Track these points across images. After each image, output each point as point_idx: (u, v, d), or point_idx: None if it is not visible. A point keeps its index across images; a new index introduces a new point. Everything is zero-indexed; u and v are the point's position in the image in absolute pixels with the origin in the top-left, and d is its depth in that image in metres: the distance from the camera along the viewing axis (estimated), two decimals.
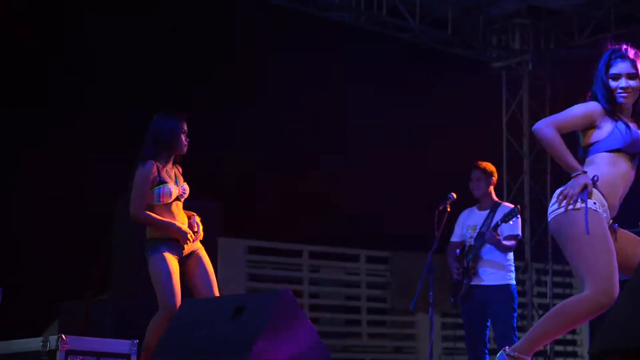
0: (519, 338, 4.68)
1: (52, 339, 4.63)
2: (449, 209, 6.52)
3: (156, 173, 5.37)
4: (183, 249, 5.38)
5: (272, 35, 9.55)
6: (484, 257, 6.64)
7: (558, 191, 4.13)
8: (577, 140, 4.32)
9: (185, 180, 5.54)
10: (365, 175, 10.18)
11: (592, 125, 4.20)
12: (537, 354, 4.21)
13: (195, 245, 5.45)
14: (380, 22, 10.07)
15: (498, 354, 4.17)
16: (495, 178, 6.90)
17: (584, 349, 11.50)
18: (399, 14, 10.02)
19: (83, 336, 4.91)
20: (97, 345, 4.72)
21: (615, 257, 4.00)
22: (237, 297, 4.76)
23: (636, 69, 4.20)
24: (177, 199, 5.44)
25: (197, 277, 5.40)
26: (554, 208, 4.10)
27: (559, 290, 10.96)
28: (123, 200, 5.62)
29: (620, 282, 3.99)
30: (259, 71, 9.58)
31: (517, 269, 7.01)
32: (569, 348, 11.54)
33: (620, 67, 4.21)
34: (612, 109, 4.19)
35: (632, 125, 4.20)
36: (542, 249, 10.77)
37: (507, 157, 10.90)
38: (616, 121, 4.18)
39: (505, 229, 6.60)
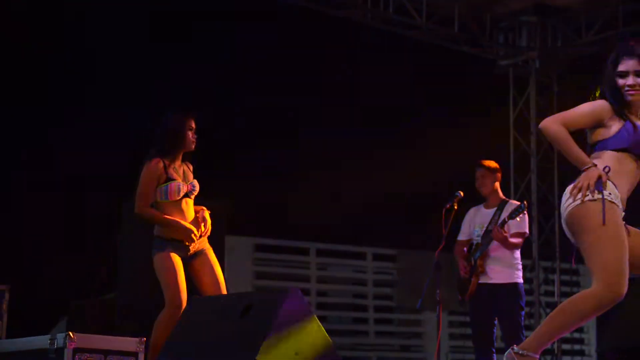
0: (526, 336, 4.67)
1: (60, 336, 4.63)
2: (456, 207, 6.51)
3: (163, 170, 5.37)
4: (189, 248, 5.37)
5: (278, 33, 9.55)
6: (491, 255, 6.64)
7: (570, 186, 4.11)
8: (585, 139, 4.31)
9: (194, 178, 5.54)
10: (372, 173, 10.17)
11: (600, 124, 4.18)
12: (544, 353, 4.20)
13: (202, 245, 5.45)
14: (387, 20, 10.06)
15: (506, 353, 4.16)
16: (500, 174, 6.89)
17: (591, 348, 11.49)
18: (406, 11, 10.01)
19: (90, 334, 4.92)
20: (105, 343, 4.71)
21: (627, 251, 3.98)
22: (244, 296, 4.76)
23: None
24: (187, 196, 5.43)
25: (204, 276, 5.40)
26: (569, 202, 4.07)
27: (566, 289, 10.93)
28: (130, 199, 5.63)
29: (629, 280, 3.98)
30: (262, 69, 9.58)
31: (524, 267, 7.00)
32: (576, 346, 11.53)
33: (627, 64, 4.19)
34: (621, 108, 4.17)
35: None
36: (549, 247, 10.74)
37: (514, 156, 10.87)
38: (625, 120, 4.16)
39: (512, 226, 6.59)
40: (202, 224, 5.41)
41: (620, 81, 4.19)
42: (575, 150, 4.09)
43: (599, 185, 4.00)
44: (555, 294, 10.81)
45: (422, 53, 10.57)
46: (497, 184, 6.85)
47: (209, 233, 5.47)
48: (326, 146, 9.90)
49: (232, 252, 8.56)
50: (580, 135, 4.25)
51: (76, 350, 4.58)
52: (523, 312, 6.65)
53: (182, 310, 5.15)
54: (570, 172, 4.21)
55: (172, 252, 5.32)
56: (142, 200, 5.37)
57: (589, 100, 4.27)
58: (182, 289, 5.25)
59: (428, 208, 7.17)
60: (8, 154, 8.43)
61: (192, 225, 5.38)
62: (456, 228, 6.84)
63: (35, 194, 8.45)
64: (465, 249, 6.82)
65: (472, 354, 6.89)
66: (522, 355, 4.08)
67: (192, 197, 5.48)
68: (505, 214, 6.62)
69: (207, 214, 5.49)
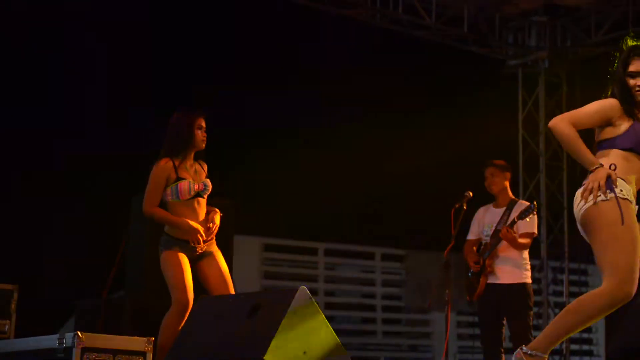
0: (534, 337, 4.66)
1: (68, 336, 4.63)
2: (465, 207, 6.50)
3: (172, 170, 5.37)
4: (196, 249, 5.37)
5: (285, 32, 9.56)
6: (500, 255, 6.62)
7: (580, 190, 4.11)
8: (593, 138, 4.30)
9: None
10: (381, 173, 10.16)
11: (608, 122, 4.18)
12: (552, 353, 4.19)
13: (210, 247, 5.44)
14: (396, 20, 10.05)
15: (515, 353, 4.15)
16: (509, 173, 6.88)
17: (599, 348, 11.46)
18: (415, 12, 10.00)
19: (99, 333, 4.92)
20: (113, 343, 4.71)
21: (639, 250, 3.96)
22: (252, 295, 4.75)
23: None
24: (199, 195, 5.42)
25: (212, 276, 5.40)
26: (581, 205, 4.07)
27: (575, 289, 10.90)
28: (139, 199, 5.63)
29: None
30: (271, 69, 9.58)
31: (533, 267, 6.98)
32: (585, 347, 11.51)
33: (637, 64, 4.19)
34: (630, 108, 4.17)
35: None
36: (558, 247, 10.72)
37: (523, 155, 10.85)
38: (634, 120, 4.15)
39: (521, 226, 6.57)
40: (210, 225, 5.40)
41: (631, 81, 4.19)
42: (583, 151, 4.08)
43: (609, 184, 3.99)
44: (564, 294, 10.78)
45: (431, 52, 10.56)
46: (507, 183, 6.84)
47: (213, 236, 5.44)
48: (336, 146, 9.90)
49: (241, 252, 8.56)
50: (588, 134, 4.24)
51: (84, 350, 4.58)
52: (531, 312, 6.64)
53: (189, 309, 5.15)
54: (579, 172, 4.20)
55: (179, 251, 5.32)
56: (149, 200, 5.37)
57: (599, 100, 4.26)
58: (188, 288, 5.25)
59: (437, 208, 7.16)
60: (19, 154, 8.45)
61: (201, 225, 5.37)
62: (465, 228, 6.84)
63: (39, 193, 8.47)
64: (474, 248, 6.81)
65: (480, 354, 6.88)
66: (531, 355, 4.08)
67: (205, 196, 5.47)
68: (514, 214, 6.61)
69: (217, 216, 5.46)
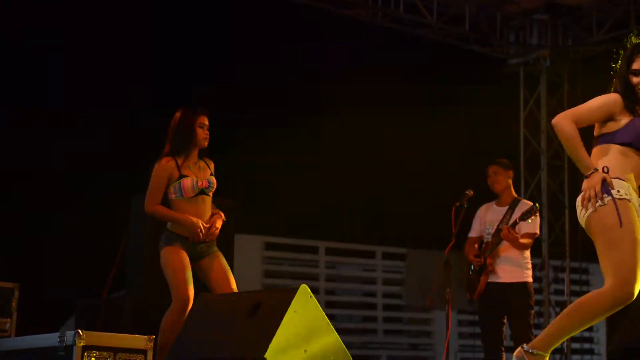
0: (535, 335, 4.66)
1: (69, 334, 4.63)
2: (465, 205, 6.51)
3: (175, 168, 5.37)
4: (196, 247, 5.36)
5: (285, 32, 9.56)
6: (501, 255, 6.62)
7: (579, 198, 4.11)
8: (592, 135, 4.30)
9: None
10: (382, 172, 10.15)
11: (610, 117, 4.18)
12: (553, 352, 4.19)
13: (211, 249, 5.44)
14: (397, 19, 10.04)
15: (516, 351, 4.15)
16: (512, 172, 6.89)
17: (600, 347, 11.46)
18: (417, 10, 9.99)
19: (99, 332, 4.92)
20: (114, 341, 4.71)
21: None
22: (253, 294, 4.75)
23: None
24: (203, 192, 5.42)
25: (215, 275, 5.39)
26: (583, 213, 4.10)
27: (576, 288, 10.91)
28: (139, 198, 5.63)
29: None
30: (273, 69, 9.58)
31: (534, 266, 6.97)
32: (586, 345, 11.50)
33: None
34: (632, 104, 4.16)
35: None
36: (559, 246, 10.72)
37: (524, 154, 10.85)
38: (634, 116, 4.15)
39: (523, 227, 6.57)
40: (212, 229, 5.39)
41: (634, 79, 4.19)
42: (582, 154, 4.09)
43: (605, 188, 4.00)
44: (565, 293, 10.79)
45: (432, 51, 10.56)
46: (510, 182, 6.84)
47: (213, 237, 5.43)
48: (336, 145, 9.89)
49: (242, 251, 8.56)
50: (587, 130, 4.24)
51: (85, 348, 4.58)
52: (532, 311, 6.63)
53: (189, 306, 5.15)
54: (580, 171, 4.20)
55: (180, 247, 5.32)
56: (150, 198, 5.38)
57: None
58: (188, 285, 5.25)
59: (438, 206, 7.16)
60: (20, 155, 8.46)
61: (205, 224, 5.37)
62: (466, 226, 6.83)
63: (39, 192, 8.47)
64: (475, 245, 6.80)
65: (481, 352, 6.87)
66: (532, 354, 4.08)
67: (210, 194, 5.47)
68: (517, 214, 6.60)
69: (220, 221, 5.45)
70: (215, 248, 5.48)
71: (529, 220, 6.51)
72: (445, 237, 6.49)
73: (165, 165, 5.38)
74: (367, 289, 11.48)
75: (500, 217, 6.73)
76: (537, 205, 6.61)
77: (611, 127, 4.18)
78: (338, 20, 9.80)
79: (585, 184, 4.07)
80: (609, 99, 4.18)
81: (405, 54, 10.40)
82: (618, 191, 4.02)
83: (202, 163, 5.51)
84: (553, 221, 10.71)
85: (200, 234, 5.32)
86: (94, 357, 4.60)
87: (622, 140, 4.13)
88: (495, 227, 6.70)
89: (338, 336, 4.38)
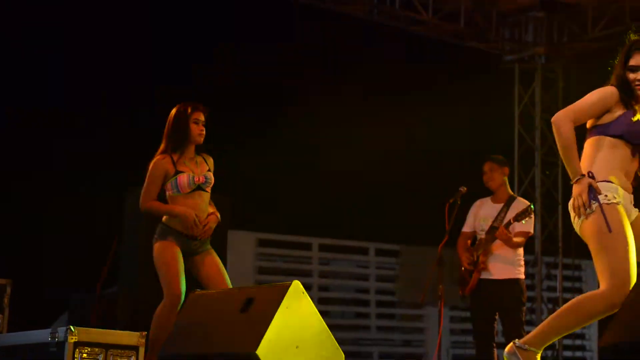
0: (527, 332, 4.66)
1: (61, 330, 4.63)
2: (459, 202, 6.51)
3: (171, 164, 5.37)
4: (190, 243, 5.36)
5: (281, 29, 9.56)
6: (494, 252, 6.62)
7: (570, 203, 4.13)
8: (585, 132, 4.31)
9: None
10: (376, 168, 10.15)
11: (607, 110, 4.18)
12: (545, 347, 4.19)
13: (204, 247, 5.44)
14: (393, 16, 10.04)
15: (507, 347, 4.15)
16: (507, 169, 6.89)
17: (592, 343, 11.47)
18: (412, 7, 10.00)
19: (92, 328, 4.91)
20: (106, 337, 4.71)
21: (634, 252, 3.98)
22: (245, 290, 4.75)
23: None
24: (200, 188, 5.42)
25: (209, 272, 5.39)
26: (575, 220, 4.13)
27: (568, 284, 10.93)
28: (132, 194, 5.62)
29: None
30: (267, 67, 9.58)
31: (527, 262, 6.99)
32: (578, 341, 11.51)
33: (638, 59, 4.19)
34: (628, 99, 4.17)
35: None
36: (552, 243, 10.73)
37: (518, 150, 10.86)
38: (627, 109, 4.16)
39: (517, 226, 6.57)
40: (205, 227, 5.39)
41: (631, 75, 4.19)
42: (574, 160, 4.10)
43: (592, 195, 4.01)
44: (557, 289, 10.81)
45: (428, 48, 10.56)
46: (505, 179, 6.84)
47: (207, 236, 5.43)
48: (330, 141, 9.89)
49: (235, 247, 8.57)
50: (581, 127, 4.24)
51: (77, 344, 4.58)
52: (524, 308, 6.64)
53: (180, 301, 5.15)
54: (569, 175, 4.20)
55: (174, 242, 5.31)
56: (145, 195, 5.39)
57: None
58: (181, 281, 5.24)
59: (431, 203, 7.16)
60: (16, 152, 8.46)
61: (201, 221, 5.36)
62: (459, 223, 6.83)
63: (34, 189, 8.46)
64: (468, 242, 6.81)
65: (473, 349, 6.88)
66: (524, 350, 4.08)
67: (208, 189, 5.46)
68: (511, 212, 6.60)
69: (214, 223, 5.45)
70: (209, 246, 5.48)
71: (523, 222, 6.52)
72: (438, 233, 6.49)
73: (160, 162, 5.38)
74: (360, 285, 11.48)
75: (495, 214, 6.73)
76: (532, 206, 6.61)
77: (605, 119, 4.19)
78: (337, 17, 9.80)
79: (574, 190, 4.09)
80: (606, 92, 4.19)
81: (400, 49, 10.40)
82: (605, 196, 4.03)
83: (199, 159, 5.51)
84: (546, 217, 10.73)
85: (195, 227, 5.31)
86: (85, 353, 4.60)
87: (613, 133, 4.14)
88: (489, 223, 6.70)
89: (330, 332, 4.38)
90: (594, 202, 4.02)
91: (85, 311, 6.79)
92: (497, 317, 6.61)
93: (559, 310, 4.12)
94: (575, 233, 4.20)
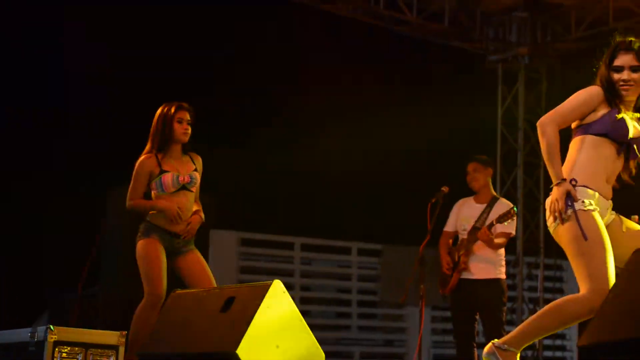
0: (507, 332, 4.67)
1: (41, 329, 4.63)
2: (441, 202, 6.52)
3: (155, 164, 5.38)
4: (174, 241, 5.35)
5: (263, 28, 9.55)
6: (475, 252, 6.63)
7: (548, 202, 4.14)
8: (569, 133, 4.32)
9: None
10: (358, 169, 10.15)
11: (592, 110, 4.19)
12: (525, 347, 4.20)
13: (188, 246, 5.44)
14: (377, 15, 10.04)
15: (486, 347, 4.16)
16: (491, 170, 6.90)
17: (572, 343, 11.52)
18: (397, 7, 10.00)
19: (72, 328, 4.90)
20: (85, 337, 4.71)
21: (611, 256, 3.99)
22: (226, 289, 4.74)
23: None
24: (185, 188, 5.42)
25: (194, 271, 5.41)
26: (550, 222, 4.15)
27: (549, 285, 10.97)
28: (113, 194, 5.61)
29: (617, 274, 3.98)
30: (252, 65, 9.57)
31: (508, 262, 7.00)
32: (558, 341, 11.55)
33: (623, 59, 4.20)
34: (613, 98, 4.18)
35: (627, 118, 4.17)
36: (533, 243, 10.77)
37: (501, 151, 10.89)
38: (612, 108, 4.17)
39: (499, 227, 6.58)
40: (188, 227, 5.39)
41: (615, 76, 4.20)
42: (556, 163, 4.11)
43: (569, 201, 4.02)
44: (538, 289, 10.85)
45: (412, 48, 10.57)
46: (489, 180, 6.85)
47: (190, 235, 5.43)
48: (310, 142, 9.88)
49: (217, 246, 8.55)
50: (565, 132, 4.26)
51: (56, 343, 4.58)
52: (505, 308, 6.66)
53: (161, 300, 5.14)
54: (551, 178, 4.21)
55: (157, 240, 5.31)
56: (130, 194, 5.43)
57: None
58: (162, 280, 5.25)
59: (414, 203, 7.17)
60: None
61: (185, 221, 5.37)
62: (441, 223, 6.84)
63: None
64: (450, 241, 6.82)
65: (453, 349, 6.90)
66: (503, 350, 4.09)
67: (193, 189, 5.47)
68: (494, 213, 6.61)
69: (197, 224, 5.45)
70: (193, 245, 5.49)
71: (506, 224, 6.54)
72: (421, 233, 6.50)
73: (145, 162, 5.41)
74: (342, 285, 11.48)
75: (477, 214, 6.74)
76: (514, 208, 6.62)
77: (589, 118, 4.19)
78: (319, 16, 9.81)
79: (552, 193, 4.10)
80: (591, 92, 4.19)
81: (384, 49, 10.41)
82: (583, 202, 4.04)
83: (186, 158, 5.53)
84: (528, 218, 10.76)
85: (177, 219, 5.31)
86: (65, 352, 4.60)
87: (598, 131, 4.15)
88: (471, 224, 6.71)
89: (311, 332, 4.38)
90: (570, 208, 4.03)
91: (66, 311, 6.77)
92: (477, 317, 6.62)
93: (539, 312, 4.13)
94: None
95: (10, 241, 8.07)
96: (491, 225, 6.52)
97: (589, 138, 4.16)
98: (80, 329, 4.79)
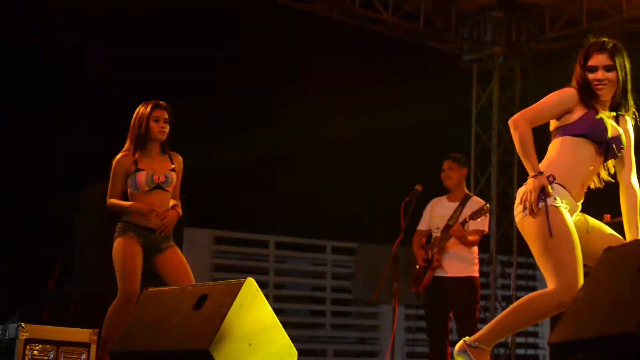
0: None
1: (12, 327, 4.60)
2: (414, 201, 6.54)
3: (131, 162, 5.37)
4: (150, 237, 5.34)
5: (243, 27, 9.55)
6: (449, 250, 6.66)
7: (520, 191, 4.15)
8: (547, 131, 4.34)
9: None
10: (333, 167, 10.17)
11: (567, 111, 4.22)
12: (498, 345, 4.23)
13: (167, 243, 5.43)
14: (353, 15, 10.05)
15: (458, 344, 4.17)
16: (466, 169, 6.92)
17: (544, 341, 11.59)
18: (372, 6, 10.02)
19: (44, 325, 4.88)
20: (57, 334, 4.69)
21: (579, 252, 4.01)
22: (199, 287, 4.73)
23: (614, 61, 4.20)
24: (160, 187, 5.41)
25: (173, 269, 5.41)
26: (518, 211, 4.14)
27: (522, 283, 11.03)
28: (86, 192, 5.60)
29: (585, 273, 4.00)
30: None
31: (481, 261, 7.03)
32: (530, 339, 11.62)
33: (597, 59, 4.23)
34: (589, 99, 4.21)
35: (605, 117, 4.20)
36: (507, 242, 10.82)
37: (475, 150, 10.94)
38: (589, 109, 4.19)
39: (472, 224, 6.61)
40: (162, 218, 5.39)
41: (590, 75, 4.22)
42: (531, 157, 4.12)
43: (542, 195, 4.04)
44: (511, 288, 10.91)
45: (387, 47, 10.59)
46: (463, 179, 6.87)
47: (168, 229, 5.42)
48: (286, 139, 9.88)
49: (191, 244, 8.52)
50: (542, 129, 4.28)
51: (28, 341, 4.55)
52: (478, 306, 6.69)
53: (134, 298, 5.13)
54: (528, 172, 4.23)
55: (133, 237, 5.31)
56: (109, 192, 5.45)
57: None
58: (136, 278, 5.24)
59: (387, 202, 7.19)
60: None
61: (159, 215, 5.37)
62: (415, 221, 6.86)
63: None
64: (423, 240, 6.84)
65: (426, 347, 6.92)
66: (474, 347, 4.11)
67: (168, 189, 5.46)
68: (467, 210, 6.64)
69: (173, 217, 5.44)
70: (172, 242, 5.49)
71: (479, 220, 6.56)
72: (394, 232, 6.52)
73: (122, 159, 5.43)
74: (316, 283, 11.49)
75: (450, 212, 6.76)
76: (487, 205, 6.65)
77: (566, 119, 4.22)
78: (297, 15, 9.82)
79: (527, 184, 4.11)
80: (565, 94, 4.22)
81: (359, 48, 10.43)
82: (555, 199, 4.06)
83: (164, 157, 5.52)
84: (502, 216, 10.81)
85: (150, 213, 5.30)
86: (36, 350, 4.57)
87: (576, 132, 4.17)
88: (444, 222, 6.74)
89: (284, 330, 4.38)
90: (541, 203, 4.05)
91: (38, 308, 6.74)
92: (451, 314, 6.65)
93: (509, 308, 4.14)
94: None
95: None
96: (464, 222, 6.55)
97: (568, 139, 4.18)
98: (52, 327, 4.76)
